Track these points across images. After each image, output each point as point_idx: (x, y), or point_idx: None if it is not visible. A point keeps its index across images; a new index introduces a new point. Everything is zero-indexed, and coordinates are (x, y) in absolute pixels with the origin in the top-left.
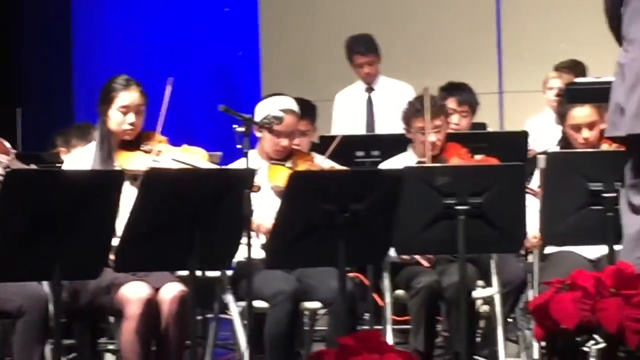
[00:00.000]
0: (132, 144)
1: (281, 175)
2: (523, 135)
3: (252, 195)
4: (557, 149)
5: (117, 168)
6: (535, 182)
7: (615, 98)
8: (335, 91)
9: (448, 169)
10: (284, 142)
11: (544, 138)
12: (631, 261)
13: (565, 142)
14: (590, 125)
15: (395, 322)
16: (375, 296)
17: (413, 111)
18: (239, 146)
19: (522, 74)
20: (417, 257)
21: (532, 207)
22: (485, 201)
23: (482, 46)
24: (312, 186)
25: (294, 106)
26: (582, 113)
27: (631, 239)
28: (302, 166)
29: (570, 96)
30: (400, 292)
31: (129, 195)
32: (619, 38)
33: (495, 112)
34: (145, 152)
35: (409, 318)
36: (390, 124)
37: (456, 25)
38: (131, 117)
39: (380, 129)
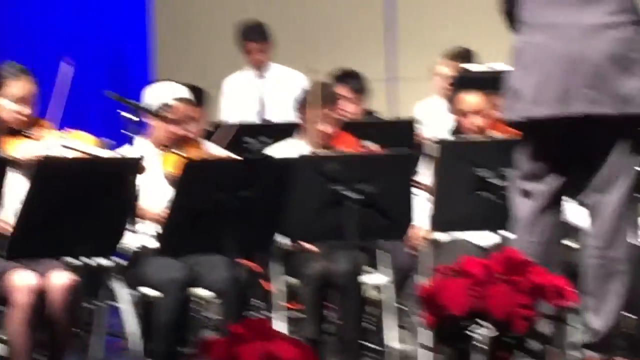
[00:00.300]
0: (16, 130)
1: (173, 162)
2: (410, 123)
3: (144, 182)
4: (446, 136)
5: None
6: (422, 169)
7: (511, 82)
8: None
9: (338, 156)
10: (175, 129)
11: (432, 124)
12: (523, 246)
13: (456, 129)
14: (480, 112)
15: (287, 310)
16: (264, 283)
17: (306, 100)
18: (126, 132)
19: (417, 61)
20: (303, 243)
21: (420, 201)
22: (373, 188)
23: (372, 32)
24: (204, 174)
25: (185, 93)
26: (471, 100)
27: (523, 223)
28: (193, 153)
29: (460, 83)
30: (291, 279)
31: (13, 182)
32: (511, 22)
33: (387, 98)
34: (30, 138)
35: (300, 305)
36: (281, 111)
37: (345, 11)
38: (22, 106)
39: (271, 116)
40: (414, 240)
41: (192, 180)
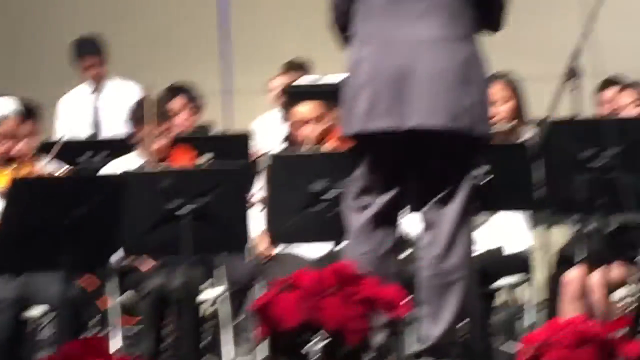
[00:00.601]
0: None
1: (6, 180)
2: (245, 136)
3: None
4: (282, 148)
5: None
6: (258, 184)
7: (346, 95)
8: (62, 92)
9: (172, 171)
10: (5, 145)
11: (270, 138)
12: (356, 257)
13: (290, 140)
14: (313, 121)
15: (125, 325)
16: (100, 300)
17: (138, 116)
18: None
19: (253, 74)
20: (140, 259)
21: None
22: (209, 202)
23: (207, 46)
24: (34, 191)
25: (14, 108)
26: (304, 109)
27: (357, 235)
28: (26, 170)
29: (293, 95)
30: (128, 295)
31: None
32: (343, 36)
33: (222, 112)
34: None
35: (137, 321)
36: (118, 125)
37: (179, 25)
38: None
39: (108, 131)
40: (257, 253)
41: (20, 196)
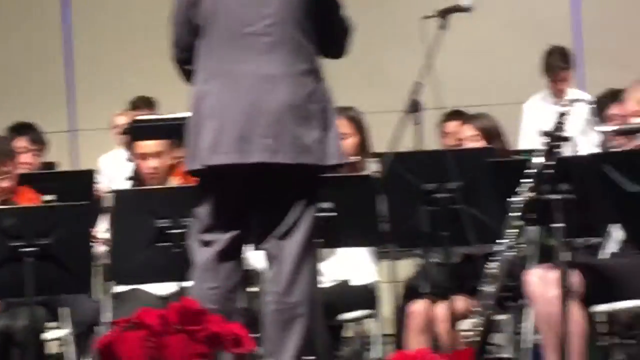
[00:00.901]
0: None
1: None
2: (90, 174)
3: None
4: (125, 185)
5: None
6: (103, 222)
7: (191, 131)
8: None
9: (14, 210)
10: None
11: (116, 176)
12: (201, 293)
13: (135, 178)
14: (156, 155)
15: None
16: None
17: None
18: None
19: (97, 112)
20: None
21: None
22: (52, 242)
23: (52, 85)
24: None
25: None
26: (148, 142)
27: (201, 270)
28: None
29: (136, 133)
30: None
31: None
32: (187, 71)
33: (68, 151)
34: None
35: None
36: None
37: (25, 64)
38: None
39: None
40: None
41: None
